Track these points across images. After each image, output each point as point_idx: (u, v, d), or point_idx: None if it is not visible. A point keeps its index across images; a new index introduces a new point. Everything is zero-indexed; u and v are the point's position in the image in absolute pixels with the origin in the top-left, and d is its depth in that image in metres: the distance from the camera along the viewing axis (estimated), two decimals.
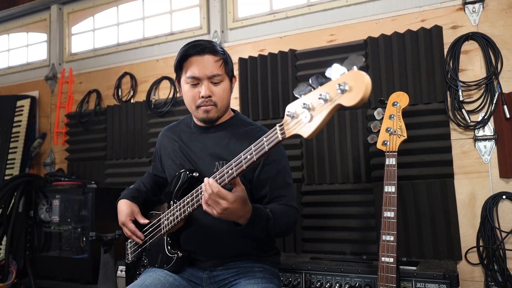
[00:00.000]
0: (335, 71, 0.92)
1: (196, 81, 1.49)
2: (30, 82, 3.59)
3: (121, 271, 2.30)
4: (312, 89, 0.98)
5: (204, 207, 1.28)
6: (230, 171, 1.22)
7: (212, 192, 1.23)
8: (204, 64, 1.47)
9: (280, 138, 1.07)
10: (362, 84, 0.85)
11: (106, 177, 3.05)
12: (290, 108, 1.03)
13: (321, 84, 0.95)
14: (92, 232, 2.01)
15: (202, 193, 1.28)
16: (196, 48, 1.48)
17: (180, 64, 1.51)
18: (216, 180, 1.25)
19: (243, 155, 1.19)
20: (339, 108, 0.93)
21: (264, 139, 1.13)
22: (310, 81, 0.97)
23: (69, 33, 3.54)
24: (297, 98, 1.02)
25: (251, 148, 1.16)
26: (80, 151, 3.20)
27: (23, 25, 3.76)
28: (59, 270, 2.63)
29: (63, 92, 3.37)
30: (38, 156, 3.44)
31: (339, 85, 0.89)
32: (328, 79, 0.93)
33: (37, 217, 2.78)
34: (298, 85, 1.04)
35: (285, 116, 1.04)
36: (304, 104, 0.97)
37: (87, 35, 3.46)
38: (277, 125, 1.09)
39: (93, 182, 3.00)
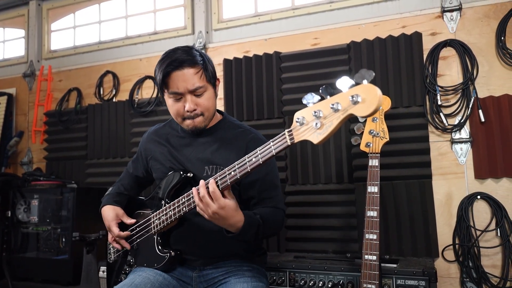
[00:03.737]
0: (344, 83, 0.97)
1: (179, 96, 1.48)
2: (6, 78, 3.49)
3: (103, 271, 2.27)
4: (321, 99, 1.02)
5: (198, 208, 1.30)
6: (232, 173, 1.24)
7: (204, 194, 1.26)
8: (185, 79, 1.45)
9: (289, 143, 1.11)
10: (375, 97, 0.91)
11: (86, 177, 3.00)
12: (299, 115, 1.07)
13: (331, 95, 1.00)
14: (75, 233, 1.98)
15: (194, 196, 1.30)
16: (174, 64, 1.45)
17: (162, 82, 1.48)
18: (217, 181, 1.27)
19: (248, 158, 1.21)
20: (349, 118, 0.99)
21: (272, 143, 1.16)
22: (320, 91, 1.02)
23: (49, 30, 3.46)
24: (304, 105, 1.06)
25: (257, 152, 1.19)
26: (59, 150, 3.14)
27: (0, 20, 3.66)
28: (37, 271, 2.58)
29: (42, 89, 3.29)
30: (15, 155, 3.35)
31: (352, 96, 0.94)
32: (338, 90, 0.98)
33: (15, 218, 2.71)
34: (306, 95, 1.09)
35: (294, 122, 1.08)
36: (315, 112, 1.02)
37: (68, 32, 3.40)
38: (286, 130, 1.12)
39: (73, 182, 2.95)
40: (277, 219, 1.51)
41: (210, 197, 1.26)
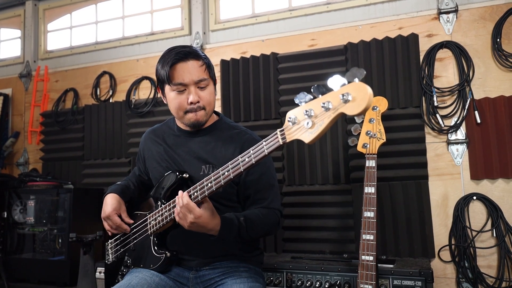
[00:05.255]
0: (336, 82, 0.97)
1: (183, 88, 1.49)
2: (3, 79, 3.48)
3: (100, 272, 2.27)
4: (313, 98, 1.02)
5: (177, 218, 1.35)
6: (226, 173, 1.25)
7: (183, 205, 1.30)
8: (190, 70, 1.47)
9: (281, 143, 1.11)
10: (366, 95, 0.91)
11: (83, 178, 3.00)
12: (291, 114, 1.07)
13: (322, 93, 1.00)
14: (72, 233, 1.98)
15: (176, 206, 1.34)
16: (179, 55, 1.47)
17: (167, 74, 1.47)
18: (211, 181, 1.28)
19: (241, 157, 1.21)
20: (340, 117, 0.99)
21: (264, 143, 1.16)
22: (312, 90, 1.02)
23: (45, 30, 3.45)
24: (297, 105, 1.06)
25: (250, 151, 1.19)
26: (56, 151, 3.14)
27: None
28: (34, 272, 2.57)
29: (38, 90, 3.28)
30: (10, 155, 3.34)
31: (343, 95, 0.94)
32: (329, 89, 0.98)
33: (11, 219, 2.70)
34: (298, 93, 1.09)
35: (286, 122, 1.08)
36: (306, 111, 1.02)
37: (64, 32, 3.39)
38: (278, 130, 1.12)
39: (69, 183, 2.95)
40: (268, 219, 1.50)
41: (186, 208, 1.31)
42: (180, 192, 1.34)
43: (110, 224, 1.60)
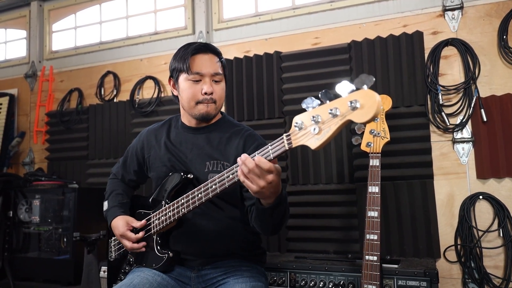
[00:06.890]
0: (344, 88, 0.96)
1: (199, 78, 1.52)
2: (8, 79, 3.51)
3: (104, 271, 2.27)
4: (321, 103, 1.01)
5: (242, 178, 1.19)
6: (231, 176, 1.23)
7: (256, 166, 1.14)
8: (208, 62, 1.53)
9: (287, 148, 1.10)
10: (374, 103, 0.90)
11: (87, 177, 3.01)
12: (298, 119, 1.06)
13: (330, 99, 0.99)
14: (76, 233, 1.98)
15: (240, 166, 1.18)
16: (200, 46, 1.54)
17: (187, 63, 1.51)
18: (215, 183, 1.23)
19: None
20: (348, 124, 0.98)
21: (270, 147, 1.14)
22: (319, 95, 1.01)
23: (50, 30, 3.47)
24: (302, 109, 1.05)
25: (255, 155, 1.17)
26: (61, 151, 3.15)
27: (1, 21, 3.66)
28: (39, 271, 2.59)
29: (43, 90, 3.30)
30: (16, 155, 3.36)
31: (351, 102, 0.92)
32: (337, 95, 0.97)
33: (16, 218, 2.72)
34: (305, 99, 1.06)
35: (292, 127, 1.07)
36: (313, 117, 1.00)
37: (69, 32, 3.41)
38: (284, 134, 1.11)
39: (74, 182, 2.96)
40: (288, 206, 1.41)
41: (263, 169, 1.14)
42: (244, 155, 1.17)
43: (127, 242, 1.55)
